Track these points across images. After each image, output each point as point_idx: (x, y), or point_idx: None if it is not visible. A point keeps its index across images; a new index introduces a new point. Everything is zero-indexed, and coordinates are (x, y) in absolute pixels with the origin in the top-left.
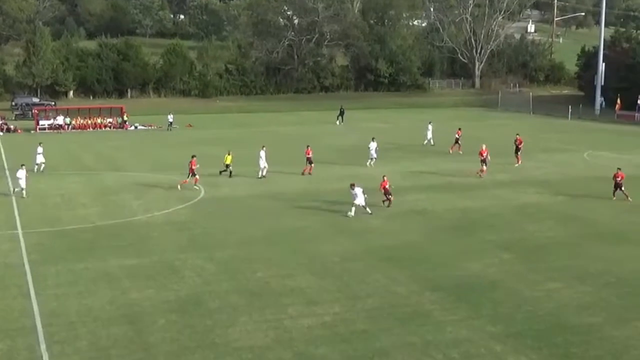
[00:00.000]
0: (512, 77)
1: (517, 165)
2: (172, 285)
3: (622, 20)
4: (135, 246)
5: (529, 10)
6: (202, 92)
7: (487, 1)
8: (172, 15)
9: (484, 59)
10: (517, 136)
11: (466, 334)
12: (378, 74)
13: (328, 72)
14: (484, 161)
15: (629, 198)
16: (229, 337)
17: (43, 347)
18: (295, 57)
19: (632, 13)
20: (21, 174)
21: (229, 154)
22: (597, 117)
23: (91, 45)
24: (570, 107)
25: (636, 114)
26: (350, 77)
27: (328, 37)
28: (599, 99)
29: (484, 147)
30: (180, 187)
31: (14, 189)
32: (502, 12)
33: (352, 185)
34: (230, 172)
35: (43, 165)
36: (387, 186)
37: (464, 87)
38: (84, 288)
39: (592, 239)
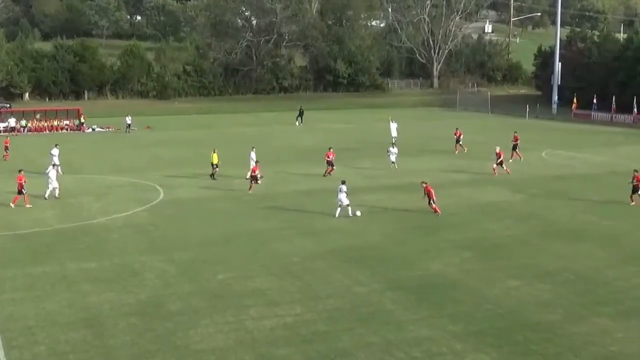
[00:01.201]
0: (470, 77)
1: (511, 160)
2: (132, 288)
3: (577, 20)
4: (94, 249)
5: (485, 10)
6: (160, 94)
7: (445, 1)
8: (128, 17)
9: (442, 59)
10: (515, 134)
11: (427, 332)
12: (337, 74)
13: (287, 73)
14: (500, 162)
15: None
16: (190, 339)
17: (1, 353)
18: (254, 57)
19: (587, 13)
20: (52, 174)
21: (214, 152)
22: (555, 116)
23: (46, 46)
24: (527, 106)
25: (592, 113)
26: (309, 77)
27: (286, 37)
28: (555, 98)
29: (498, 149)
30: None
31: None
32: (459, 13)
33: (343, 182)
34: (214, 174)
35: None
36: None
37: (423, 87)
38: (42, 292)
39: (551, 237)
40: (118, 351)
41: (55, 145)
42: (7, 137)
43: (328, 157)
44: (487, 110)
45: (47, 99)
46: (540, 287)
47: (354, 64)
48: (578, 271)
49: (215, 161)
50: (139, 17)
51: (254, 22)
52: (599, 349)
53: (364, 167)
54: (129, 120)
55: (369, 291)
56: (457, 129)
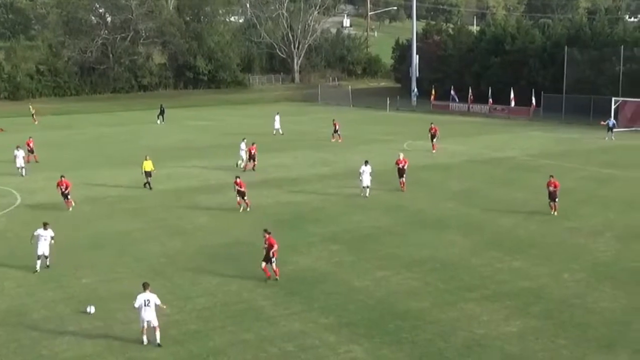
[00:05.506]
0: (331, 71)
1: (433, 152)
2: None
3: (432, 13)
4: None
5: (343, 5)
6: (13, 95)
7: None
8: None
9: (302, 54)
10: (432, 125)
11: (300, 326)
12: (197, 71)
13: (145, 71)
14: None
15: (555, 212)
16: (57, 347)
17: None
18: (111, 56)
19: (441, 7)
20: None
21: (146, 160)
22: (414, 107)
23: None
24: (388, 99)
25: (450, 104)
26: (169, 75)
27: (143, 34)
28: (414, 90)
29: (401, 156)
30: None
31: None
32: (317, 7)
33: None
34: (149, 183)
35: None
36: None
37: (284, 82)
38: None
39: (417, 226)
40: None
41: (17, 147)
42: None
43: (251, 151)
44: (348, 103)
45: None
46: (408, 276)
47: (214, 61)
48: (443, 259)
49: (148, 168)
50: None
51: (109, 19)
52: (467, 333)
53: (230, 163)
54: None
55: (239, 288)
56: (333, 120)
